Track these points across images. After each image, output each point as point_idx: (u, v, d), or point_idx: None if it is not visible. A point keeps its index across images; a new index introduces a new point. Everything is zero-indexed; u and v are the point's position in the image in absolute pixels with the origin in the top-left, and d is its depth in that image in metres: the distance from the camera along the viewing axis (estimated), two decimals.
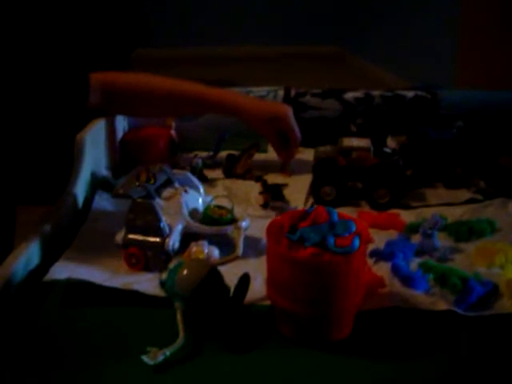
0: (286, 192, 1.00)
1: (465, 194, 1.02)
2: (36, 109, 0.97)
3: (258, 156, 1.13)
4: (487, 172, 1.05)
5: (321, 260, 0.59)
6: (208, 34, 4.53)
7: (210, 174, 1.09)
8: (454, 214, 0.94)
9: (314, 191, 0.98)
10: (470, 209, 0.96)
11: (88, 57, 1.97)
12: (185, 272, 0.66)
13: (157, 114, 1.13)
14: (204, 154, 1.15)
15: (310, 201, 0.97)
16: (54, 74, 0.98)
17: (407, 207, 0.97)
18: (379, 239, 0.84)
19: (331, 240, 0.60)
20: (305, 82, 3.67)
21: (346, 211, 0.93)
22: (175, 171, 0.90)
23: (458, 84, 2.77)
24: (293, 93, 1.24)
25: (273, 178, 1.05)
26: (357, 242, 0.60)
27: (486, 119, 1.19)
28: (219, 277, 0.67)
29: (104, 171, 1.01)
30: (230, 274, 0.71)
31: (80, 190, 0.94)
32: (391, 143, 1.11)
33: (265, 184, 0.98)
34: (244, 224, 0.82)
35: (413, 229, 0.87)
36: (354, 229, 0.62)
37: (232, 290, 0.67)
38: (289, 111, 1.06)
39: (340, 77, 3.95)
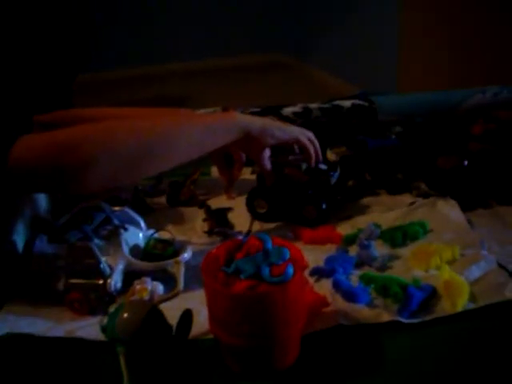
0: (232, 215, 1.00)
1: (407, 199, 1.04)
2: None
3: (203, 180, 1.13)
4: (427, 175, 1.07)
5: (256, 292, 0.59)
6: (146, 53, 4.48)
7: (155, 201, 1.08)
8: (387, 220, 0.95)
9: (248, 204, 0.99)
10: (402, 213, 0.98)
11: (29, 90, 1.92)
12: (125, 315, 0.65)
13: None
14: (146, 182, 1.14)
15: (255, 224, 0.97)
16: None
17: (339, 220, 0.98)
18: (318, 255, 0.85)
19: (266, 270, 0.60)
20: (253, 92, 3.69)
21: (281, 227, 0.96)
22: (114, 208, 0.89)
23: (402, 86, 2.82)
24: None
25: (218, 202, 1.05)
26: (290, 270, 0.60)
27: (423, 122, 1.21)
28: (160, 316, 0.66)
29: (43, 213, 0.99)
30: (174, 309, 0.70)
31: (19, 235, 0.92)
32: (331, 155, 1.12)
33: (208, 210, 0.98)
34: (186, 256, 0.81)
35: (349, 240, 0.89)
36: (287, 256, 0.62)
37: (174, 327, 0.66)
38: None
39: (288, 84, 3.98)
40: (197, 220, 1.00)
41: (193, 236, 0.95)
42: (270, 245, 0.64)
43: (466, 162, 1.01)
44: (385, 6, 3.18)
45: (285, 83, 3.97)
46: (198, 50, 4.55)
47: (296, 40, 4.34)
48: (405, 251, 0.87)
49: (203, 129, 0.81)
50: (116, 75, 4.32)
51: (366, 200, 1.05)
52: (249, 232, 0.66)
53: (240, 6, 4.49)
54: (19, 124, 0.81)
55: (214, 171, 1.14)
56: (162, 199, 1.10)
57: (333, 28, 3.76)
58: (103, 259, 0.77)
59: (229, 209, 1.01)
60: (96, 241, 0.79)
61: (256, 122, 0.88)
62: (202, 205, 1.00)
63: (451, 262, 0.83)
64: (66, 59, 2.44)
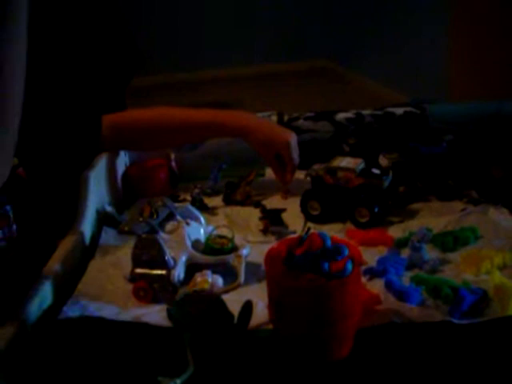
0: (285, 216, 1.04)
1: (458, 205, 1.06)
2: (50, 151, 1.03)
3: (258, 181, 1.17)
4: (478, 183, 1.08)
5: (317, 285, 0.63)
6: (198, 58, 4.57)
7: (211, 202, 1.13)
8: (438, 224, 0.97)
9: (302, 205, 1.02)
10: (453, 218, 1.00)
11: (88, 93, 2.02)
12: (191, 304, 0.70)
13: (169, 145, 1.21)
14: (203, 183, 1.19)
15: (308, 224, 1.01)
16: (67, 117, 1.05)
17: (391, 223, 1.00)
18: (370, 256, 0.88)
19: (326, 265, 0.64)
20: (300, 98, 3.72)
21: (334, 228, 0.99)
22: (176, 204, 0.94)
23: (453, 95, 2.81)
24: (286, 118, 1.28)
25: (272, 202, 1.09)
26: (350, 266, 0.63)
27: (475, 130, 1.23)
28: (223, 305, 0.71)
29: (108, 207, 1.05)
30: (234, 301, 0.74)
31: (86, 227, 0.98)
32: (383, 161, 1.14)
33: (264, 209, 1.02)
34: (244, 252, 0.86)
35: (401, 243, 0.92)
36: (346, 253, 0.65)
37: (236, 317, 0.70)
38: (289, 138, 1.10)
39: (335, 91, 3.99)
40: (252, 219, 1.04)
41: (248, 234, 0.99)
42: (329, 242, 0.68)
43: None
44: (435, 13, 3.17)
45: (333, 90, 3.99)
46: (248, 55, 4.62)
47: (345, 47, 4.36)
48: (455, 256, 0.89)
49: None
50: (166, 79, 4.43)
51: (416, 205, 1.07)
52: (308, 229, 0.69)
53: (289, 12, 4.53)
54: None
55: (269, 172, 1.18)
56: (218, 199, 1.14)
57: (383, 35, 3.76)
58: (168, 251, 0.82)
59: (283, 209, 1.05)
60: (161, 234, 0.84)
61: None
62: (258, 204, 1.04)
63: (502, 268, 0.85)
64: (121, 66, 2.53)
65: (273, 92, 4.00)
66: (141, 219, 0.87)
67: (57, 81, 1.70)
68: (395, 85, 3.63)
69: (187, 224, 0.87)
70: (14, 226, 0.89)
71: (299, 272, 0.65)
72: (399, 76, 3.57)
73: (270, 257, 0.68)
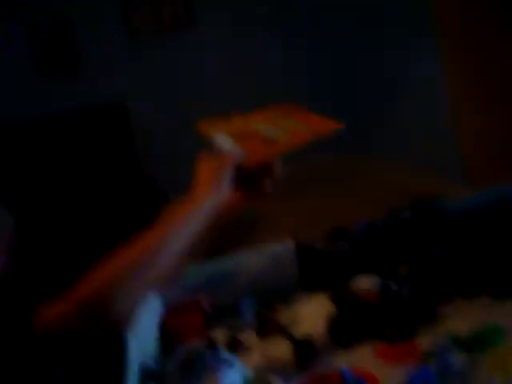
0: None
1: (484, 301, 1.08)
2: None
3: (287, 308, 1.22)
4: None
5: None
6: None
7: (245, 337, 1.18)
8: (464, 327, 0.99)
9: (331, 333, 1.06)
10: (479, 318, 1.01)
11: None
12: None
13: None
14: (236, 318, 1.24)
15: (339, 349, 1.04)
16: None
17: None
18: (399, 373, 0.90)
19: None
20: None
21: (364, 348, 1.02)
22: (209, 351, 0.99)
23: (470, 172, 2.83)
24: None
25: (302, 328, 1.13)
26: None
27: (487, 223, 1.26)
28: None
29: (149, 361, 1.10)
30: None
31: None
32: (400, 271, 1.19)
33: (295, 342, 1.06)
34: None
35: (429, 355, 0.94)
36: None
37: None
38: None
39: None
40: (286, 352, 1.07)
41: (284, 370, 1.03)
42: (349, 377, 0.72)
43: None
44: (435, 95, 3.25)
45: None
46: None
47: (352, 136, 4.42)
48: (483, 358, 0.91)
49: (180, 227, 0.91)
50: None
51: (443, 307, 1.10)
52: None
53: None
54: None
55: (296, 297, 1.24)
56: (253, 333, 1.19)
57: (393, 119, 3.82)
58: None
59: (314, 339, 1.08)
60: None
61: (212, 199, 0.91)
62: (289, 337, 1.08)
63: None
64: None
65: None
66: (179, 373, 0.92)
67: None
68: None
69: (221, 374, 0.91)
70: None
71: None
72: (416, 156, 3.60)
73: None
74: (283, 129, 1.00)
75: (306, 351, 1.03)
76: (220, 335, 1.19)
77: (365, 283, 1.06)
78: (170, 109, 3.93)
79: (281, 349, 1.09)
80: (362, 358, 1.00)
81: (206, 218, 0.91)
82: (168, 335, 1.24)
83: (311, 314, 1.18)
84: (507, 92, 2.68)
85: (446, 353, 0.89)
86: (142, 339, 1.16)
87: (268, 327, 1.17)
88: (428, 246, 1.21)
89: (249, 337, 1.18)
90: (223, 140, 0.98)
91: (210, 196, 0.91)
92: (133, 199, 3.03)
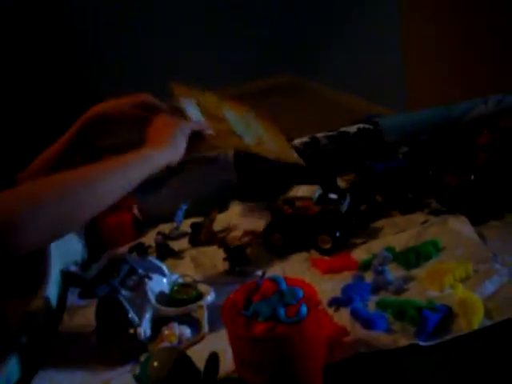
0: (251, 251, 1.04)
1: (420, 217, 1.07)
2: None
3: (221, 217, 1.17)
4: (436, 192, 1.09)
5: (274, 334, 0.63)
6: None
7: (177, 245, 1.13)
8: (400, 241, 0.98)
9: (264, 239, 1.04)
10: (415, 233, 1.01)
11: None
12: (155, 364, 0.69)
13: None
14: (169, 225, 1.19)
15: (273, 258, 1.01)
16: None
17: (355, 246, 1.01)
18: (335, 284, 0.89)
19: (281, 311, 0.64)
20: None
21: (299, 258, 1.00)
22: (137, 257, 0.94)
23: (412, 97, 2.84)
24: None
25: (236, 236, 1.09)
26: (304, 310, 0.63)
27: (428, 139, 1.24)
28: (188, 361, 0.70)
29: (72, 267, 1.04)
30: (202, 351, 0.73)
31: (51, 290, 0.97)
32: (341, 183, 1.15)
33: (227, 248, 1.02)
34: (209, 299, 0.86)
35: (365, 266, 0.92)
36: (301, 295, 0.66)
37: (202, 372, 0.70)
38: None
39: (300, 105, 4.00)
40: (218, 259, 1.04)
41: (215, 276, 0.99)
42: (283, 285, 0.68)
43: (472, 177, 1.04)
44: (386, 19, 3.21)
45: (296, 104, 4.00)
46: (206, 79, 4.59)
47: (300, 59, 4.37)
48: (419, 272, 0.90)
49: (123, 167, 0.83)
50: None
51: (379, 222, 1.08)
52: (263, 274, 0.70)
53: (240, 31, 4.50)
54: None
55: (232, 207, 1.19)
56: (185, 241, 1.14)
57: (336, 43, 3.79)
58: (131, 310, 0.82)
59: (247, 245, 1.05)
60: (123, 292, 0.84)
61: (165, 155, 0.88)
62: (222, 244, 1.04)
63: (465, 280, 0.85)
64: None
65: None
66: (102, 279, 0.86)
67: None
68: (356, 91, 3.65)
69: (149, 278, 0.86)
70: None
71: (257, 320, 0.65)
72: (359, 82, 3.60)
73: (228, 308, 0.68)
74: (252, 131, 1.05)
75: (238, 259, 1.00)
76: (151, 242, 1.14)
77: (302, 191, 1.02)
78: None
79: (214, 256, 1.05)
80: (299, 268, 0.97)
81: (152, 171, 0.85)
82: (97, 242, 1.18)
83: (247, 223, 1.14)
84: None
85: (382, 265, 0.87)
86: (66, 245, 1.09)
87: (201, 235, 1.12)
88: (369, 160, 1.18)
89: (181, 244, 1.13)
90: (192, 108, 1.00)
91: (162, 152, 0.86)
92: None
